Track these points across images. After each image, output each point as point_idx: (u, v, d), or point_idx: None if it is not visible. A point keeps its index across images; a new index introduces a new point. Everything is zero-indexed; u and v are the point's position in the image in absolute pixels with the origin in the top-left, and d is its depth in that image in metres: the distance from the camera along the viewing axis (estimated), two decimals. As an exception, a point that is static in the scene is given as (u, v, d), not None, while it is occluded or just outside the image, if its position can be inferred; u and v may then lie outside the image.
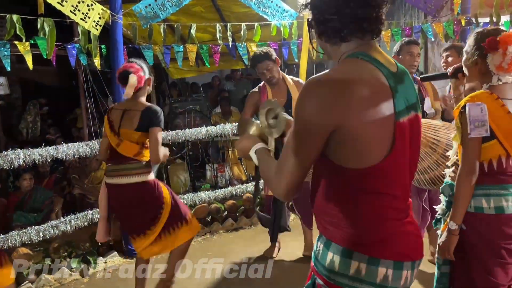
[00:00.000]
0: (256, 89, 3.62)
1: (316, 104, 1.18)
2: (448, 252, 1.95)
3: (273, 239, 3.77)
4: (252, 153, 1.49)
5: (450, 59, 3.40)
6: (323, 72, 1.25)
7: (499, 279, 1.91)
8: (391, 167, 1.23)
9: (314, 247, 1.37)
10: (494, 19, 4.96)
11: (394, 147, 1.22)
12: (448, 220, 1.97)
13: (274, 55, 3.49)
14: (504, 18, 5.05)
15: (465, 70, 2.05)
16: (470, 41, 2.00)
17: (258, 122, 1.60)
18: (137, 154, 2.82)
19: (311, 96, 1.19)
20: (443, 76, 2.46)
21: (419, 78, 3.19)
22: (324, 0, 1.25)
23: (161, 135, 2.80)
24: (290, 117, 1.53)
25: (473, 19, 4.95)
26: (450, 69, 2.20)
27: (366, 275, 1.23)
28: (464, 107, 1.89)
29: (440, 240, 2.01)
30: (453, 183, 2.01)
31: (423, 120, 2.82)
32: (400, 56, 3.28)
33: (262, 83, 3.58)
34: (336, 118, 1.17)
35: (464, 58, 2.03)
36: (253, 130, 1.62)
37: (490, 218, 1.91)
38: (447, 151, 2.62)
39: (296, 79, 3.66)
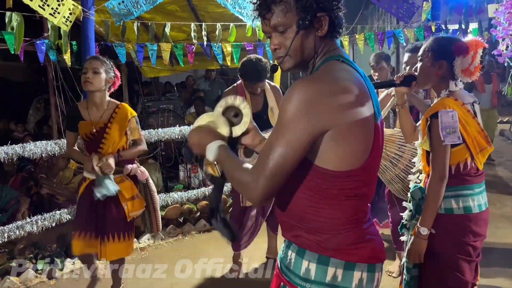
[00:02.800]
0: (230, 89, 3.40)
1: (305, 106, 1.14)
2: (419, 257, 1.98)
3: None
4: (213, 149, 1.32)
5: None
6: (311, 76, 1.23)
7: (467, 277, 1.98)
8: (369, 168, 1.24)
9: (282, 255, 1.34)
10: (463, 26, 5.12)
11: (373, 149, 1.23)
12: (418, 224, 1.99)
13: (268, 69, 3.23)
14: (473, 26, 5.21)
15: (421, 75, 2.06)
16: (429, 46, 2.02)
17: (216, 113, 1.42)
18: None
19: (300, 99, 1.15)
20: (389, 84, 2.40)
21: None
22: None
23: (67, 135, 2.99)
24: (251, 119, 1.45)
25: (443, 26, 5.09)
26: (398, 77, 2.17)
27: (342, 280, 1.22)
28: (435, 114, 1.92)
29: (409, 245, 2.03)
30: (423, 186, 2.06)
31: (393, 131, 2.85)
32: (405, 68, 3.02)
33: (239, 82, 3.38)
34: (324, 122, 1.15)
35: (422, 64, 2.05)
36: (208, 120, 1.39)
37: (460, 218, 1.97)
38: (411, 167, 2.66)
39: (273, 84, 3.51)
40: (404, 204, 2.19)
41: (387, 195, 3.27)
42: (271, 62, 3.47)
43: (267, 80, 3.46)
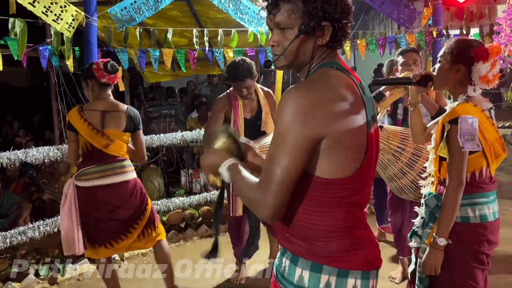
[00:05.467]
0: (223, 95, 3.36)
1: (300, 114, 1.14)
2: (436, 269, 1.91)
3: (248, 254, 3.43)
4: (223, 170, 1.33)
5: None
6: (302, 83, 1.23)
7: (480, 285, 1.94)
8: (362, 177, 1.24)
9: (277, 262, 1.34)
10: (464, 31, 5.13)
11: (365, 157, 1.23)
12: (433, 234, 1.92)
13: (255, 70, 3.22)
14: (474, 31, 5.22)
15: (438, 76, 2.01)
16: (450, 47, 1.95)
17: (226, 134, 1.45)
18: (124, 153, 2.94)
19: (294, 106, 1.15)
20: (404, 82, 2.33)
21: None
22: (344, 4, 1.23)
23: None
24: (246, 140, 1.48)
25: (444, 31, 5.10)
26: (414, 75, 2.13)
27: None
28: (453, 120, 1.86)
29: (424, 257, 1.95)
30: (438, 195, 1.99)
31: (394, 127, 2.86)
32: (398, 68, 3.05)
33: (232, 88, 3.34)
34: (317, 129, 1.14)
35: (440, 65, 1.99)
36: (220, 144, 1.43)
37: (476, 226, 1.92)
38: (414, 161, 2.65)
39: (266, 89, 3.46)
40: (416, 209, 2.12)
41: (389, 201, 3.26)
42: (272, 67, 3.46)
43: (260, 86, 3.44)
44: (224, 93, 3.40)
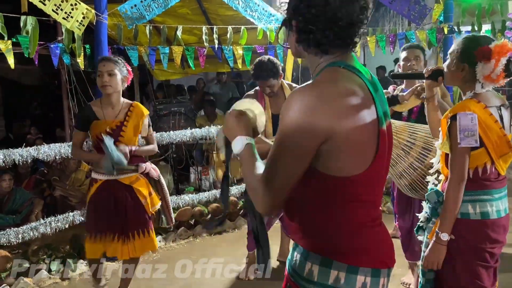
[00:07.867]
0: (252, 92, 3.47)
1: (306, 114, 1.13)
2: (438, 264, 1.93)
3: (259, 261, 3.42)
4: (240, 143, 1.30)
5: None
6: (309, 83, 1.23)
7: (485, 282, 1.93)
8: (374, 174, 1.23)
9: (290, 257, 1.35)
10: (476, 28, 5.07)
11: (377, 155, 1.22)
12: (436, 229, 1.94)
13: (280, 71, 3.29)
14: (486, 27, 5.16)
15: (447, 74, 2.03)
16: (458, 45, 1.97)
17: (261, 109, 1.43)
18: None
19: (299, 107, 1.14)
20: (417, 76, 2.40)
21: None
22: (312, 11, 1.19)
23: (74, 135, 3.00)
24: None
25: (455, 28, 5.04)
26: (427, 70, 2.15)
27: (345, 283, 1.22)
28: (454, 116, 1.88)
29: (427, 251, 1.97)
30: (439, 190, 2.01)
31: (401, 122, 2.83)
32: (400, 63, 3.08)
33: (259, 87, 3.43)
34: (325, 128, 1.14)
35: (448, 62, 2.01)
36: (254, 114, 1.38)
37: (476, 223, 1.92)
38: (424, 155, 2.62)
39: (293, 85, 3.51)
40: (423, 204, 2.13)
41: (396, 204, 3.17)
42: (282, 65, 3.47)
43: (287, 82, 3.52)
44: (253, 90, 3.50)
